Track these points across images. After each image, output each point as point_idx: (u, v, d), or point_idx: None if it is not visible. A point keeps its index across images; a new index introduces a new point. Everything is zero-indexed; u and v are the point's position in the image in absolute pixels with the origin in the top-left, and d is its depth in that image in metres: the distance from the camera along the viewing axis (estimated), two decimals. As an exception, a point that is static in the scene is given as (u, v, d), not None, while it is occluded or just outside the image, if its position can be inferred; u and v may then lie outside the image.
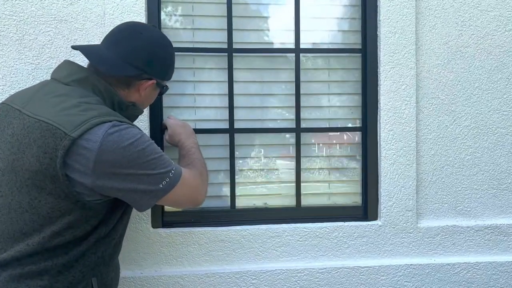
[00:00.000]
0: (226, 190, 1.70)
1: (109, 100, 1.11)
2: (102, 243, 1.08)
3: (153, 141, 1.08)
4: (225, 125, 1.68)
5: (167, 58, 1.23)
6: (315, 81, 1.73)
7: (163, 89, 1.26)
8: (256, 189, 1.73)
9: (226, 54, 1.65)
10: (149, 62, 1.15)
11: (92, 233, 1.05)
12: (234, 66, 1.65)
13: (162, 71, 1.21)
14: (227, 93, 1.66)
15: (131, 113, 1.19)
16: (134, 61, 1.13)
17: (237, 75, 1.67)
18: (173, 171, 1.08)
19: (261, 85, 1.71)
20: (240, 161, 1.71)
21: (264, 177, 1.73)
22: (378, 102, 1.65)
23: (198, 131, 1.60)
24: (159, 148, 1.10)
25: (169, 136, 1.45)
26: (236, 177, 1.69)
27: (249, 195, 1.72)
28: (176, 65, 1.31)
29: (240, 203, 1.70)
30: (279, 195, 1.73)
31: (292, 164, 1.71)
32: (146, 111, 1.50)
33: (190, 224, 1.62)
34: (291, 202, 1.72)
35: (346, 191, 1.77)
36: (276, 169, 1.73)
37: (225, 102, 1.67)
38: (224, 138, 1.68)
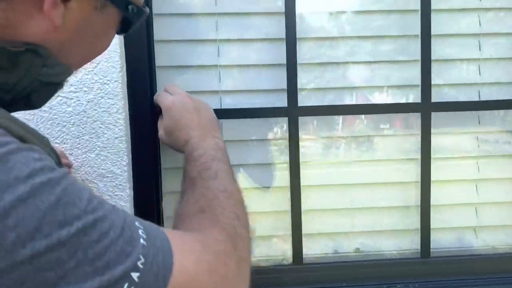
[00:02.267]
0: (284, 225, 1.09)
1: None
2: None
3: (75, 181, 0.44)
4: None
5: None
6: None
7: (129, 11, 0.55)
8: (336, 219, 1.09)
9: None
10: None
11: None
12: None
13: None
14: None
15: (33, 74, 0.50)
16: None
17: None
18: (141, 264, 0.43)
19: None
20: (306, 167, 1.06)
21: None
22: None
23: (223, 114, 1.01)
24: (99, 198, 0.45)
25: (164, 129, 0.86)
26: (301, 199, 1.05)
27: (324, 233, 1.11)
28: None
29: (309, 249, 1.09)
30: (385, 231, 1.11)
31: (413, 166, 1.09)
32: (115, 76, 0.88)
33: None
34: (411, 244, 1.12)
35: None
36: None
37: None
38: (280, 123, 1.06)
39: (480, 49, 1.07)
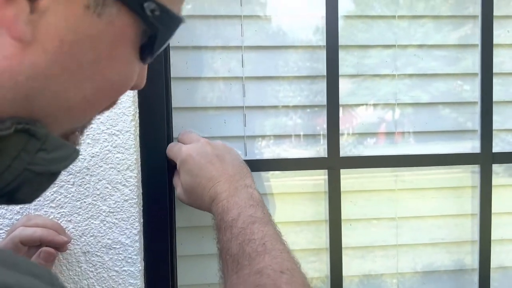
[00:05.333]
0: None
1: None
2: None
3: None
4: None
5: None
6: None
7: (146, 14, 0.32)
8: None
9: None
10: None
11: None
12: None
13: None
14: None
15: (24, 163, 0.32)
16: None
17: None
18: None
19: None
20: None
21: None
22: None
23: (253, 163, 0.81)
24: None
25: (183, 187, 0.72)
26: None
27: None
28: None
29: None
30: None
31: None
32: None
33: None
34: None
35: None
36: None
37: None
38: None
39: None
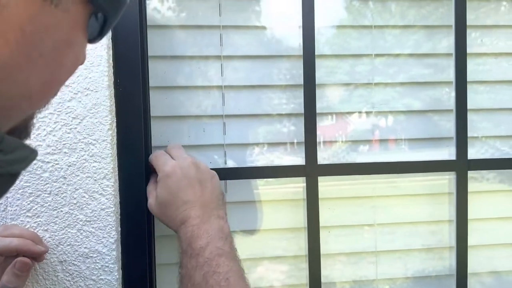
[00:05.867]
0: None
1: None
2: None
3: None
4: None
5: None
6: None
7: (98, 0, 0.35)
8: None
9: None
10: None
11: None
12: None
13: None
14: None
15: None
16: None
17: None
18: None
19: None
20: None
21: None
22: None
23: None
24: None
25: (157, 199, 0.71)
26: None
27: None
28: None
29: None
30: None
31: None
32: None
33: None
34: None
35: None
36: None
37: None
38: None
39: None
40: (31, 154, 0.36)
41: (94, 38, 0.38)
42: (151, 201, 0.74)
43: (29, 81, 0.33)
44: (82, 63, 0.39)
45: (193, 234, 0.64)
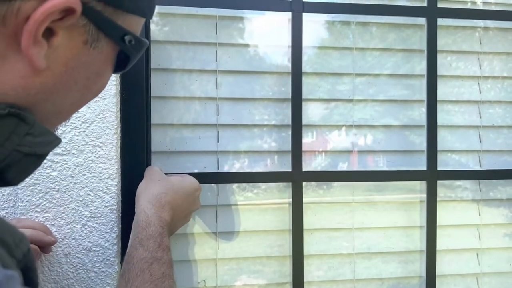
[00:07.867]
0: None
1: None
2: None
3: None
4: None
5: None
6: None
7: (126, 44, 0.44)
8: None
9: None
10: None
11: None
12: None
13: None
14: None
15: (13, 144, 0.39)
16: None
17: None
18: None
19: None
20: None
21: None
22: None
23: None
24: None
25: (141, 188, 0.78)
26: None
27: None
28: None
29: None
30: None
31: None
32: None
33: None
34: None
35: None
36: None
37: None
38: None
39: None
40: (55, 140, 0.44)
41: (115, 70, 0.48)
42: (141, 186, 0.79)
43: (63, 102, 0.43)
44: (104, 88, 0.49)
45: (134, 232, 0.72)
